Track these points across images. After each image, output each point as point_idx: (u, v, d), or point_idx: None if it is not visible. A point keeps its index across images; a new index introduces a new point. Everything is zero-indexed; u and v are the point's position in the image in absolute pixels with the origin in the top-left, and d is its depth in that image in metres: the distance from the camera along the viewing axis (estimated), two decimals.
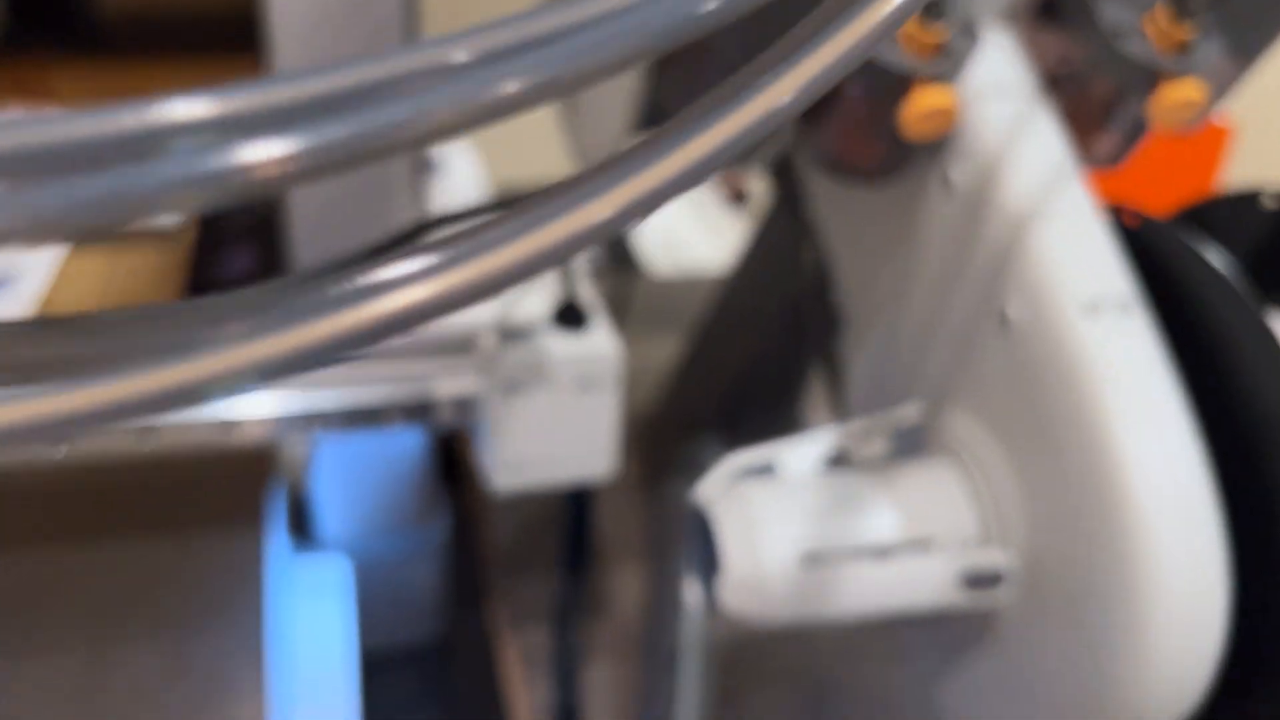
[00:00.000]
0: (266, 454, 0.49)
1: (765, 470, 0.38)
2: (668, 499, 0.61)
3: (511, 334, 0.40)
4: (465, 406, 0.41)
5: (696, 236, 1.06)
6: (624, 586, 0.58)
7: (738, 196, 1.19)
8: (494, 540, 0.60)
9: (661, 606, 0.54)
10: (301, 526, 0.51)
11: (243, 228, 0.91)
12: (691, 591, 0.39)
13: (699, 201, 1.12)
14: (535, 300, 0.40)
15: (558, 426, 0.41)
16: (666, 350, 0.68)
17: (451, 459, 0.60)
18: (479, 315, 0.40)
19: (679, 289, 0.92)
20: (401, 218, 0.42)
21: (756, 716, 0.51)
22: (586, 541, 0.46)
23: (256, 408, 0.40)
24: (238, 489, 0.47)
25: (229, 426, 0.40)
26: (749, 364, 0.61)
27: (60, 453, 0.39)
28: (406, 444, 0.49)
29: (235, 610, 0.42)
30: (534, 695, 0.51)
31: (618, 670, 0.53)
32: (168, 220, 0.95)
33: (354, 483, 0.50)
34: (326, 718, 0.42)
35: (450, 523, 0.52)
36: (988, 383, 0.37)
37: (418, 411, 0.41)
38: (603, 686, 0.51)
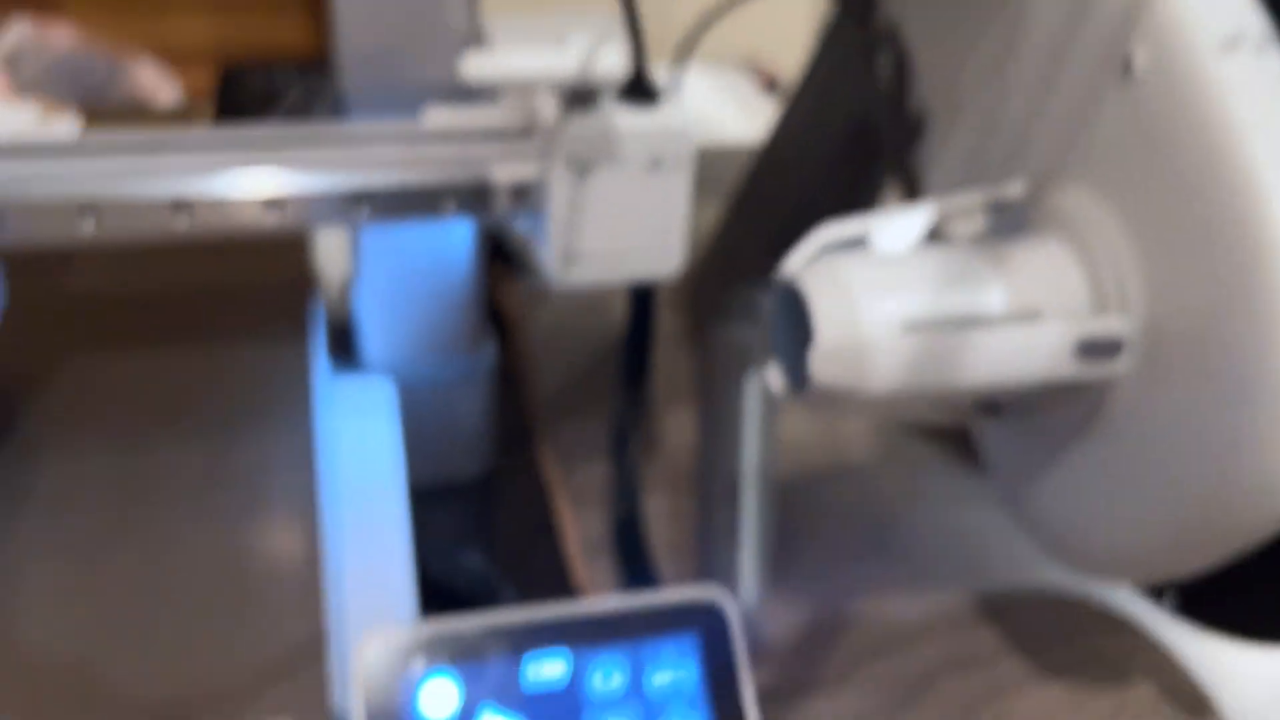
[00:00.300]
0: (307, 266, 0.46)
1: (857, 243, 0.35)
2: (716, 340, 0.59)
3: (576, 104, 0.37)
4: (525, 192, 0.38)
5: (730, 118, 1.03)
6: (676, 429, 0.56)
7: (770, 85, 1.16)
8: (539, 389, 0.58)
9: (718, 443, 0.51)
10: (344, 349, 0.49)
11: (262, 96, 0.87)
12: (774, 378, 0.36)
13: (733, 87, 1.09)
14: (602, 71, 0.37)
15: (625, 212, 0.38)
16: (704, 219, 0.65)
17: (494, 310, 0.57)
18: (541, 81, 0.36)
19: (714, 159, 0.88)
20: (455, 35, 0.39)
21: (816, 552, 0.49)
22: (648, 348, 0.44)
23: (301, 184, 0.37)
24: (278, 301, 0.44)
25: (271, 205, 0.37)
26: (808, 197, 0.58)
27: (89, 230, 0.36)
28: (453, 263, 0.46)
29: (281, 419, 0.40)
30: (584, 530, 0.49)
31: (674, 501, 0.51)
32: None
33: (399, 304, 0.47)
34: (378, 532, 0.39)
35: (496, 350, 0.49)
36: (1105, 145, 0.34)
37: (473, 198, 0.38)
38: (659, 516, 0.49)
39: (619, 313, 0.65)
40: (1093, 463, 0.35)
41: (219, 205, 0.36)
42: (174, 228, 0.37)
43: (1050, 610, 0.47)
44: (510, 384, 0.57)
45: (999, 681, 0.43)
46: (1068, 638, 0.45)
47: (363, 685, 0.28)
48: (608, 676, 0.30)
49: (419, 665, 0.29)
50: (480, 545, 0.48)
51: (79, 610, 0.33)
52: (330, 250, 0.54)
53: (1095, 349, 0.32)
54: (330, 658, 0.32)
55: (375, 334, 0.47)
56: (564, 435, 0.54)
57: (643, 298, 0.43)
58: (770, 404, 0.54)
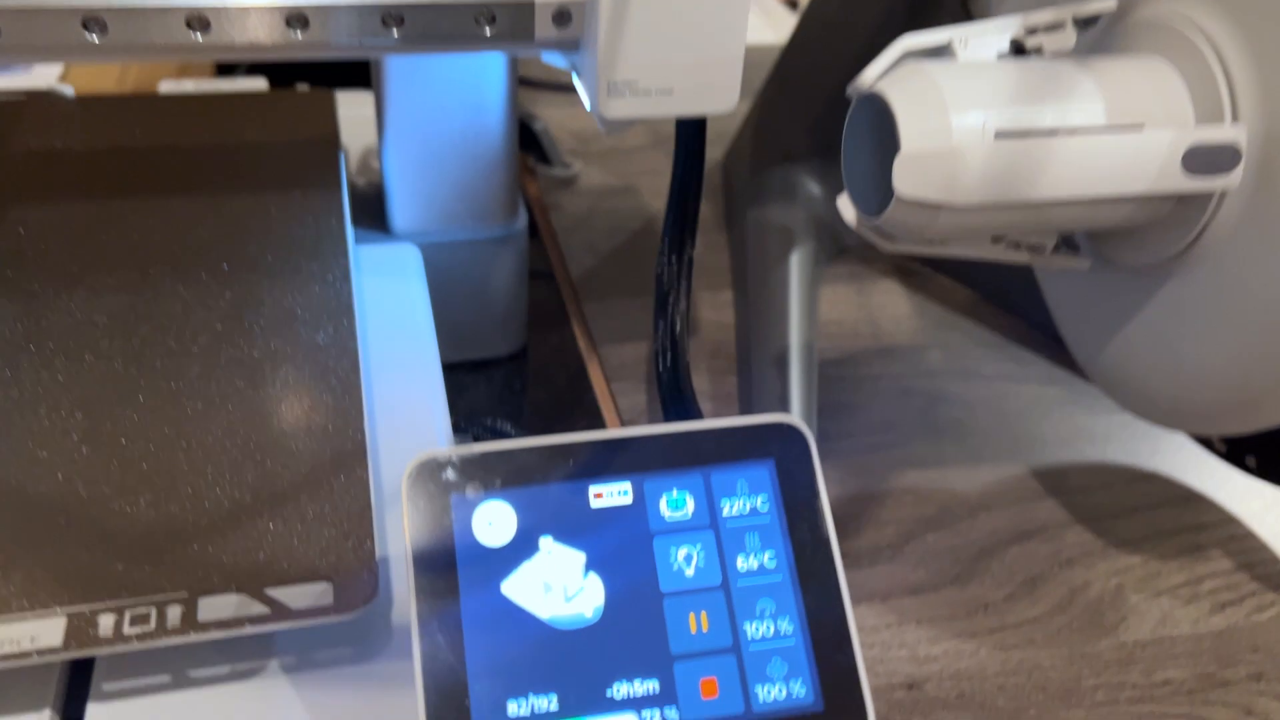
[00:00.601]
0: (334, 125, 0.43)
1: (939, 54, 0.32)
2: (756, 222, 0.56)
3: None
4: (568, 15, 0.35)
5: (752, 26, 0.99)
6: (711, 310, 0.53)
7: (791, 3, 1.12)
8: (570, 273, 0.55)
9: (763, 321, 0.49)
10: (366, 217, 0.46)
11: None
12: (846, 209, 0.33)
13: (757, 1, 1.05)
14: None
15: (678, 35, 0.35)
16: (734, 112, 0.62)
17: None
18: None
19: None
20: None
21: (865, 428, 0.46)
22: (696, 194, 0.40)
23: None
24: (309, 157, 0.41)
25: (293, 21, 0.34)
26: (855, 67, 0.54)
27: (92, 42, 0.32)
28: (485, 121, 0.43)
29: (317, 269, 0.37)
30: (620, 402, 0.46)
31: (713, 380, 0.48)
32: None
33: (429, 166, 0.44)
34: (413, 389, 0.37)
35: (527, 223, 0.47)
36: None
37: (513, 22, 0.35)
38: (700, 394, 0.46)
39: (646, 197, 0.63)
40: (1180, 303, 0.33)
41: (236, 19, 0.33)
42: (186, 43, 0.33)
43: (1117, 484, 0.44)
44: (537, 278, 0.54)
45: (1067, 553, 0.41)
46: (1137, 511, 0.43)
47: (411, 510, 0.26)
48: (676, 505, 0.27)
49: (473, 490, 0.26)
50: (514, 418, 0.46)
51: (101, 452, 0.30)
52: (349, 120, 0.51)
53: (1207, 159, 0.29)
54: (375, 504, 0.29)
55: (404, 199, 0.44)
56: (597, 315, 0.52)
57: (693, 136, 0.39)
58: (814, 278, 0.52)
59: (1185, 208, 0.32)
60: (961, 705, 0.35)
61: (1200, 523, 0.43)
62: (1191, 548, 0.42)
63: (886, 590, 0.39)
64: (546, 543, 0.26)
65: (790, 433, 0.28)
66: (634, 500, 0.27)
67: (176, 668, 0.27)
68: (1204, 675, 0.37)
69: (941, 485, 0.44)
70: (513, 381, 0.48)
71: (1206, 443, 0.42)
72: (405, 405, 0.36)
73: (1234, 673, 0.37)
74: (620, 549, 0.26)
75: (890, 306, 0.54)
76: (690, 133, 0.39)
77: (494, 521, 0.26)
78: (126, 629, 0.25)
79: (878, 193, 0.31)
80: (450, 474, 0.26)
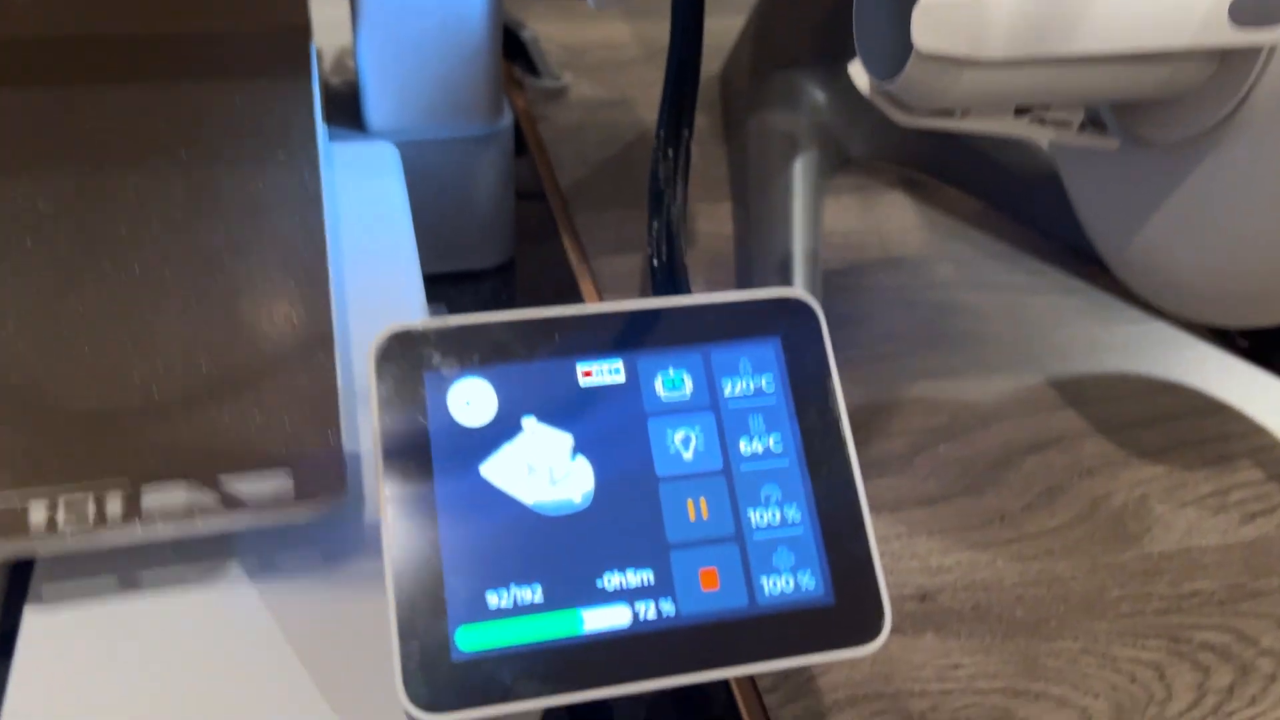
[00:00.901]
0: (306, 14, 0.40)
1: None
2: (759, 128, 0.53)
3: None
4: None
5: None
6: (708, 221, 0.50)
7: None
8: (560, 185, 0.52)
9: (765, 229, 0.46)
10: (348, 117, 0.43)
11: None
12: (859, 75, 0.30)
13: None
14: None
15: None
16: (726, 27, 0.59)
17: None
18: None
19: None
20: None
21: (873, 339, 0.44)
22: (693, 79, 0.38)
23: None
24: (277, 46, 0.38)
25: None
26: None
27: None
28: (464, 12, 0.40)
29: (284, 159, 0.34)
30: None
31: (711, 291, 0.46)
32: None
33: (406, 57, 0.41)
34: (389, 290, 0.34)
35: (513, 123, 0.44)
36: None
37: None
38: None
39: (640, 110, 0.60)
40: (1217, 182, 0.30)
41: None
42: None
43: (1138, 394, 0.42)
44: (525, 198, 0.52)
45: (1087, 463, 0.39)
46: (1160, 421, 0.41)
47: (379, 386, 0.23)
48: (673, 384, 0.25)
49: (449, 366, 0.24)
50: None
51: (38, 338, 0.27)
52: (321, 23, 0.48)
53: (1256, 9, 0.27)
54: (342, 394, 0.27)
55: (380, 93, 0.42)
56: (589, 226, 0.49)
57: (689, 7, 0.37)
58: (818, 187, 0.49)
59: (1228, 70, 0.29)
60: (977, 617, 0.33)
61: (1226, 433, 0.40)
62: (1218, 458, 0.39)
63: (896, 501, 0.37)
64: (530, 423, 0.23)
65: (798, 308, 0.25)
66: (627, 379, 0.24)
67: (124, 569, 0.25)
68: (1234, 586, 0.35)
69: (953, 395, 0.41)
70: (499, 294, 0.45)
71: (1228, 340, 0.40)
72: (380, 302, 0.33)
73: (1266, 583, 0.35)
74: (612, 430, 0.24)
75: (897, 218, 0.51)
76: (686, 3, 0.36)
77: (471, 400, 0.23)
78: (61, 520, 0.23)
79: (894, 54, 0.28)
80: (423, 348, 0.23)
